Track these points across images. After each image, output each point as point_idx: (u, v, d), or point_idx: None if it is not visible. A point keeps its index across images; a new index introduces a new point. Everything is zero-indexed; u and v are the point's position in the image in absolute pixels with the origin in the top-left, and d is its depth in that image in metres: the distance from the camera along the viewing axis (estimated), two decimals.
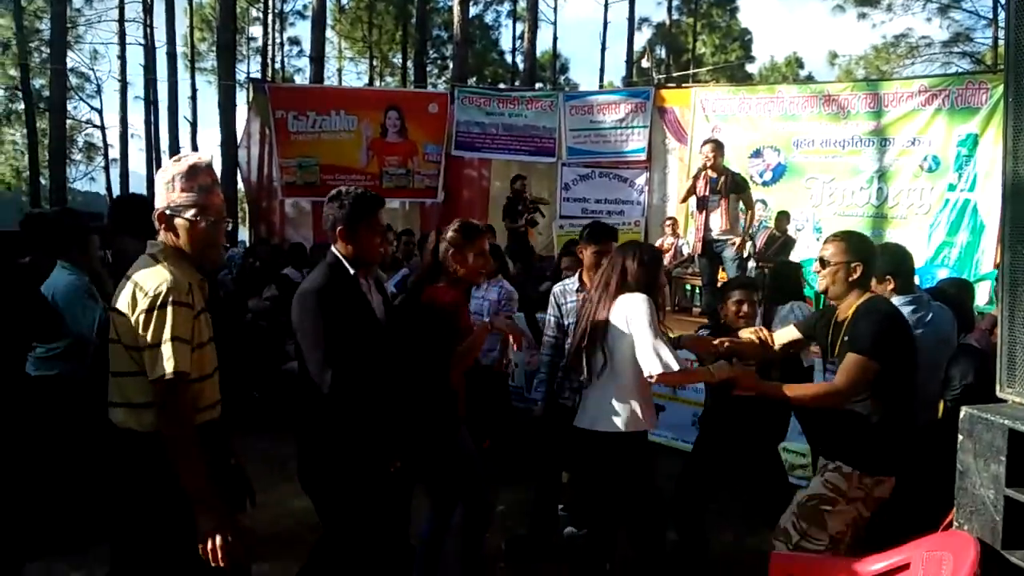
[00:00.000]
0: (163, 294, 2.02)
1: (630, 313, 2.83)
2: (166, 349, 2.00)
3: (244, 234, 13.63)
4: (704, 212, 6.72)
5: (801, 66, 31.12)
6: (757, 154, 9.76)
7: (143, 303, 2.03)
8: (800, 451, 5.26)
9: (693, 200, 6.93)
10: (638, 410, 2.87)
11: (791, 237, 8.99)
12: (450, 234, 3.04)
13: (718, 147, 6.75)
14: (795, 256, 8.92)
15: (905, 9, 18.50)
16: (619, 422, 2.86)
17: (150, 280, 2.06)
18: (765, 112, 9.73)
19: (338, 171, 10.70)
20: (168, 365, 1.99)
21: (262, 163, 11.28)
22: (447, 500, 3.06)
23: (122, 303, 2.07)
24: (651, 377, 2.71)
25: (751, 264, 8.45)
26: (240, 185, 12.71)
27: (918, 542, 2.06)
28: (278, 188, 10.96)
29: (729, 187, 6.62)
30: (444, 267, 3.02)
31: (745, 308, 3.71)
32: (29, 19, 21.82)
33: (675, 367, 2.66)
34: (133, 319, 2.03)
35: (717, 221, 6.66)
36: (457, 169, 11.49)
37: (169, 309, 2.02)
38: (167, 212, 2.18)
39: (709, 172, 6.67)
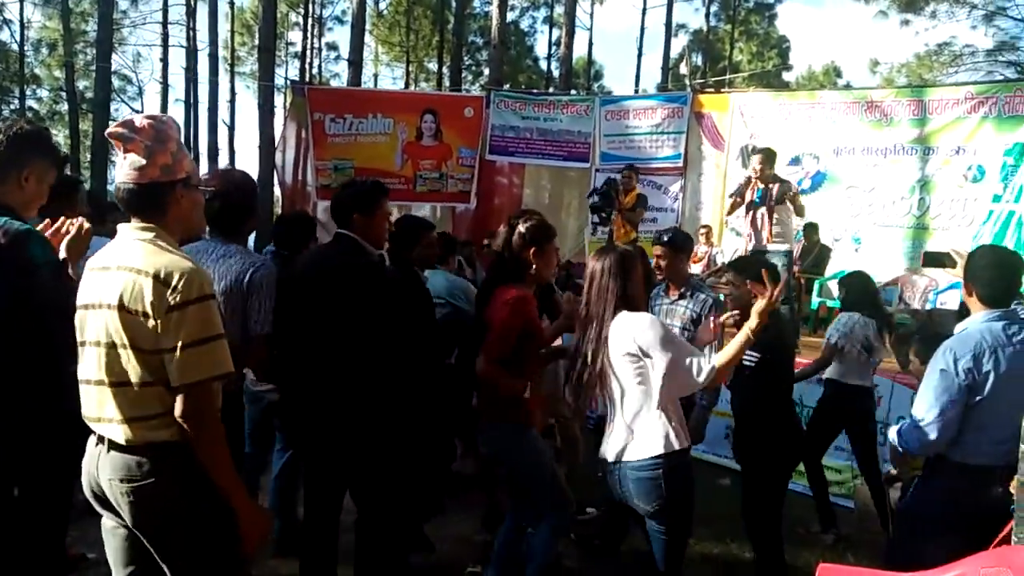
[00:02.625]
0: (196, 286, 1.81)
1: (639, 336, 2.59)
2: (209, 348, 1.82)
3: None
4: (753, 222, 6.71)
5: (839, 75, 30.72)
6: (796, 161, 9.59)
7: (170, 298, 1.78)
8: (836, 467, 5.13)
9: (740, 209, 6.91)
10: (671, 429, 2.65)
11: (826, 246, 8.81)
12: (527, 227, 3.05)
13: (767, 158, 6.73)
14: (831, 267, 8.74)
15: (950, 16, 18.10)
16: (660, 444, 2.62)
17: (172, 271, 1.80)
18: (805, 118, 9.57)
19: (373, 173, 10.73)
20: (211, 368, 1.82)
21: (298, 166, 11.39)
22: (528, 504, 3.11)
23: (130, 300, 1.80)
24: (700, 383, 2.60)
25: (785, 275, 8.31)
26: (276, 188, 12.84)
27: (974, 558, 1.97)
28: (313, 191, 11.05)
29: (777, 197, 6.57)
30: (521, 263, 3.03)
31: (731, 290, 3.74)
32: (76, 21, 22.38)
33: (715, 363, 2.57)
34: (155, 319, 1.78)
35: (765, 231, 6.63)
36: (489, 175, 11.48)
37: (209, 303, 1.83)
38: (180, 183, 1.93)
39: (757, 183, 6.63)
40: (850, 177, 9.23)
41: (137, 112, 25.14)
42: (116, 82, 22.75)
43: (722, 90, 11.74)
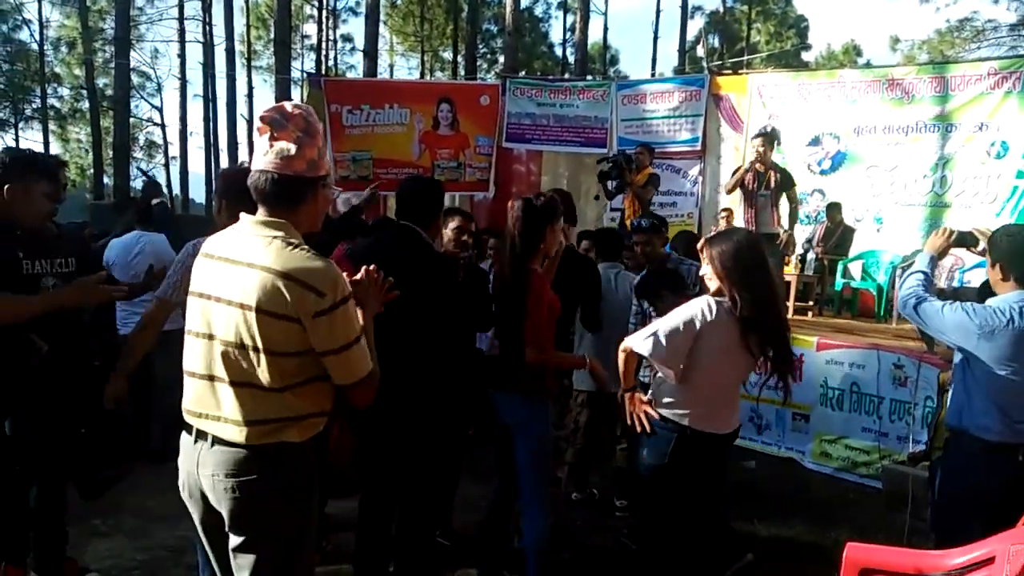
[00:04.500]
0: (342, 287, 1.78)
1: None
2: (359, 347, 1.84)
3: None
4: (753, 208, 6.72)
5: (859, 53, 30.31)
6: (815, 142, 9.48)
7: (319, 303, 1.74)
8: (863, 447, 5.12)
9: (738, 193, 6.95)
10: None
11: (849, 227, 8.74)
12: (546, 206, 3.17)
13: (768, 140, 6.84)
14: (855, 248, 8.68)
15: None
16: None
17: (313, 273, 1.75)
18: (825, 98, 9.45)
19: (391, 164, 10.79)
20: (364, 365, 1.85)
21: None
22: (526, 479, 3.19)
23: (270, 303, 1.73)
24: None
25: (811, 257, 8.26)
26: None
27: (1004, 535, 1.98)
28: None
29: (778, 184, 6.65)
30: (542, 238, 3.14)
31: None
32: (93, 18, 22.58)
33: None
34: (302, 324, 1.74)
35: (767, 218, 6.66)
36: (507, 163, 11.46)
37: (351, 303, 1.81)
38: (321, 180, 1.92)
39: (757, 166, 6.66)
40: (871, 156, 9.12)
41: (156, 108, 25.40)
42: (135, 79, 22.95)
43: (740, 71, 11.59)
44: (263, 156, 1.82)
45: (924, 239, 8.45)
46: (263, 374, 1.77)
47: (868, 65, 20.40)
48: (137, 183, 24.43)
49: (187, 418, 1.92)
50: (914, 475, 3.74)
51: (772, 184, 6.60)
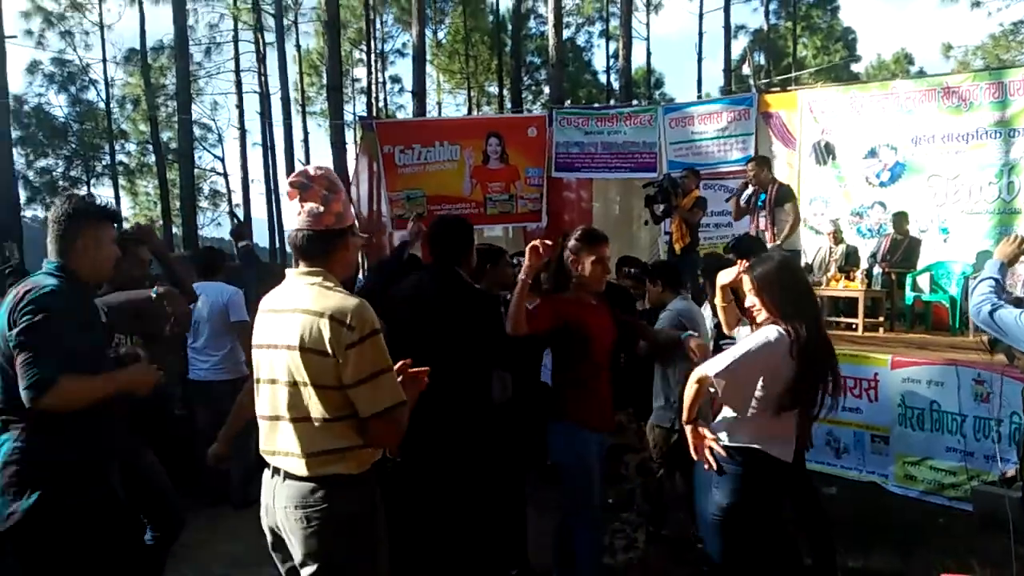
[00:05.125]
0: (369, 322, 1.94)
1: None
2: (387, 378, 1.96)
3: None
4: (754, 224, 7.35)
5: (911, 62, 29.66)
6: (872, 154, 9.29)
7: (349, 336, 1.91)
8: (949, 468, 4.92)
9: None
10: None
11: (915, 239, 8.50)
12: (572, 241, 3.24)
13: (759, 164, 7.46)
14: (922, 260, 8.43)
15: None
16: None
17: (345, 310, 1.93)
18: (879, 110, 9.27)
19: (444, 200, 10.96)
20: (393, 396, 1.95)
21: (372, 198, 11.70)
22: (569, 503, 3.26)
23: (311, 340, 1.92)
24: None
25: (877, 271, 8.06)
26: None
27: None
28: (388, 221, 11.31)
29: (774, 200, 7.06)
30: (567, 273, 3.23)
31: None
32: (155, 75, 23.67)
33: None
34: (336, 357, 1.90)
35: (768, 232, 7.10)
36: (558, 191, 11.53)
37: (379, 336, 1.96)
38: (348, 230, 2.10)
39: (756, 188, 7.24)
40: (932, 166, 8.88)
41: (218, 158, 26.37)
42: (197, 131, 23.92)
43: (788, 88, 11.47)
44: (296, 216, 2.05)
45: (994, 247, 8.24)
46: (315, 408, 1.95)
47: (921, 74, 19.97)
48: (204, 231, 25.39)
49: (264, 456, 2.11)
50: (1009, 497, 3.57)
51: (769, 201, 7.05)
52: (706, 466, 2.72)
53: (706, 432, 2.73)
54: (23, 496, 2.26)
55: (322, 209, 2.02)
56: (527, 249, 3.02)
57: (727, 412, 2.74)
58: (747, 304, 2.78)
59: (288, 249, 2.54)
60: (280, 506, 2.02)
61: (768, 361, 2.58)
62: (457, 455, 3.04)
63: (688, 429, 2.75)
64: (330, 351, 1.91)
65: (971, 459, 4.79)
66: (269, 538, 2.13)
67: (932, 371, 5.18)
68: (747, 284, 2.75)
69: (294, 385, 1.97)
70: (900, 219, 8.48)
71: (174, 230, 22.20)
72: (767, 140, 10.20)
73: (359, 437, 1.99)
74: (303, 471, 1.97)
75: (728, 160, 10.43)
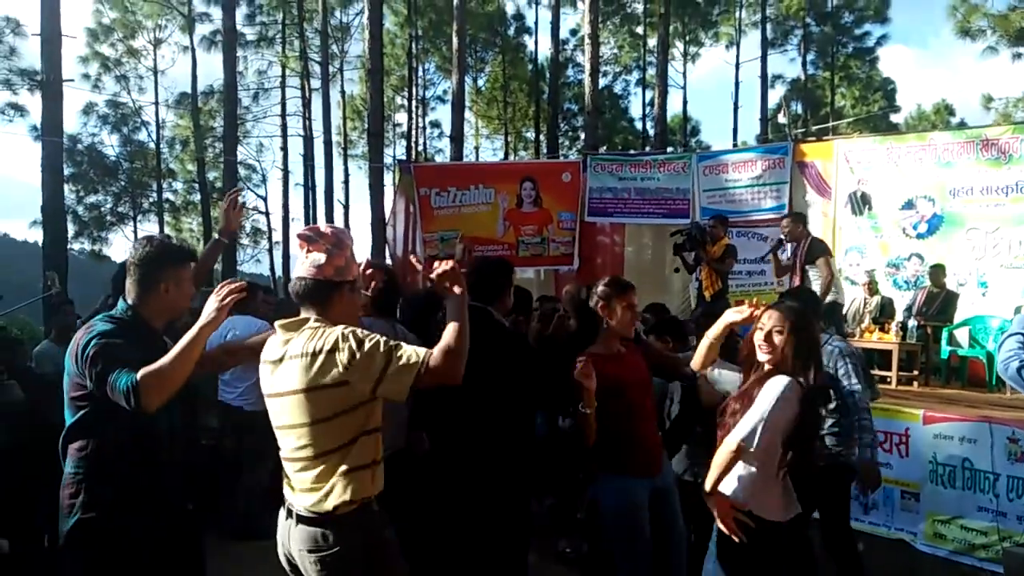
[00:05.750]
0: (348, 331, 2.05)
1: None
2: (397, 352, 2.01)
3: None
4: (789, 278, 7.36)
5: (952, 113, 29.31)
6: (909, 205, 9.21)
7: (350, 343, 2.02)
8: (980, 528, 4.78)
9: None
10: None
11: (952, 292, 8.36)
12: (601, 288, 3.33)
13: (796, 219, 7.48)
14: (960, 314, 8.28)
15: None
16: None
17: (333, 333, 2.06)
18: (916, 161, 9.22)
19: (477, 242, 11.08)
20: (409, 356, 2.00)
21: (407, 239, 11.91)
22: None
23: (328, 376, 2.02)
24: None
25: (912, 323, 7.93)
26: (388, 261, 13.46)
27: None
28: (360, 287, 11.44)
29: (804, 256, 7.08)
30: (597, 320, 3.29)
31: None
32: (204, 118, 24.54)
33: None
34: (343, 370, 2.00)
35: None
36: (591, 236, 11.61)
37: (355, 331, 2.06)
38: (348, 284, 2.22)
39: (787, 242, 7.27)
40: (971, 218, 8.77)
41: (261, 198, 27.07)
42: (242, 171, 24.60)
43: (824, 138, 11.48)
44: (300, 265, 2.20)
45: None
46: (322, 443, 2.07)
47: (962, 125, 19.78)
48: (244, 267, 25.91)
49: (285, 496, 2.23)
50: None
51: (801, 256, 7.08)
52: (735, 538, 2.55)
53: (733, 501, 2.59)
54: (69, 516, 2.39)
55: (323, 260, 2.16)
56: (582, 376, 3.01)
57: (739, 472, 2.63)
58: (757, 342, 2.69)
59: None
60: (295, 548, 2.13)
61: (789, 414, 2.53)
62: (492, 495, 3.13)
63: (715, 500, 2.61)
64: (338, 372, 2.01)
65: (1003, 519, 4.64)
66: (286, 566, 2.24)
67: (965, 427, 5.06)
68: (772, 323, 2.67)
69: (300, 426, 2.08)
70: (937, 272, 8.36)
71: (217, 266, 22.74)
72: (802, 189, 10.18)
73: (357, 459, 2.08)
74: (305, 507, 2.09)
75: (762, 208, 10.42)
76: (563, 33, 25.50)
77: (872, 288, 8.76)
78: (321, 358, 2.02)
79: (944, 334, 8.08)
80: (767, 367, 2.66)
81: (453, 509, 3.19)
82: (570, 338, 3.46)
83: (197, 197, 25.33)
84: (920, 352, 7.96)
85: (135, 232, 24.66)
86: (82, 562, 2.41)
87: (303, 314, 2.19)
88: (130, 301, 2.51)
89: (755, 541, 2.55)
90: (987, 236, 8.65)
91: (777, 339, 2.63)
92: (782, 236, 7.36)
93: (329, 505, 2.07)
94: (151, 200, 25.06)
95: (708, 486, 2.61)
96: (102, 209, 24.03)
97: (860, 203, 9.60)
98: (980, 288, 8.51)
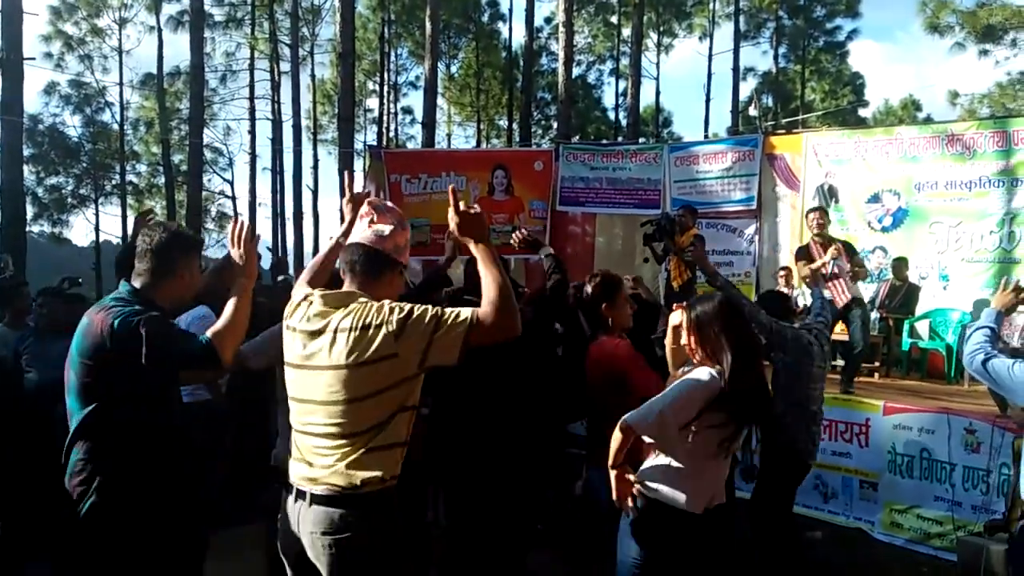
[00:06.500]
0: (388, 306, 1.98)
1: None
2: (452, 309, 1.96)
3: None
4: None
5: (919, 108, 29.81)
6: (875, 199, 9.33)
7: (397, 314, 1.95)
8: (936, 518, 4.87)
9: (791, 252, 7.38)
10: None
11: (914, 285, 8.49)
12: (600, 290, 3.32)
13: (823, 213, 7.12)
14: (921, 307, 8.41)
15: None
16: None
17: (383, 306, 1.99)
18: (883, 155, 9.33)
19: (447, 230, 11.01)
20: (464, 311, 1.94)
21: None
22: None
23: (378, 349, 1.93)
24: None
25: (874, 316, 8.03)
26: None
27: None
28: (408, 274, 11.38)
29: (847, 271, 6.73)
30: (601, 320, 3.28)
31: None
32: (170, 100, 24.04)
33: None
34: (394, 340, 1.92)
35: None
36: (562, 225, 11.60)
37: (399, 305, 1.99)
38: (400, 266, 2.18)
39: (816, 240, 6.88)
40: (934, 212, 8.91)
41: (227, 182, 26.63)
42: (208, 154, 24.17)
43: (794, 131, 11.59)
44: (361, 233, 2.12)
45: (992, 296, 8.23)
46: (352, 423, 1.97)
47: (928, 120, 20.13)
48: (209, 252, 25.53)
49: (292, 478, 2.10)
50: (991, 548, 3.53)
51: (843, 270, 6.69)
52: (625, 513, 2.59)
53: (630, 476, 2.60)
54: (83, 501, 2.38)
55: (387, 232, 2.10)
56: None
57: (657, 459, 2.62)
58: (682, 343, 2.71)
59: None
60: (306, 531, 2.02)
61: (696, 405, 2.48)
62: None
63: (613, 474, 2.59)
64: (388, 354, 1.92)
65: (959, 509, 4.74)
66: (287, 563, 2.14)
67: (924, 419, 5.15)
68: (678, 321, 2.72)
69: (335, 403, 1.97)
70: (900, 265, 8.47)
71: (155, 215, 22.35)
72: (771, 182, 10.26)
73: (390, 437, 2.00)
74: (337, 483, 1.97)
75: (732, 200, 10.49)
76: (538, 21, 25.45)
77: None
78: (371, 332, 1.93)
79: (905, 326, 8.21)
80: (695, 360, 2.67)
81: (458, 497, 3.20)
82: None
83: (161, 180, 24.87)
84: (882, 344, 8.07)
85: (97, 215, 24.18)
86: (98, 546, 2.39)
87: (347, 287, 2.11)
88: (138, 285, 2.51)
89: (664, 528, 2.55)
90: (950, 230, 8.78)
91: (691, 339, 2.64)
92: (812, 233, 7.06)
93: (357, 480, 1.96)
94: (114, 183, 24.55)
95: (610, 461, 2.59)
96: (63, 191, 23.51)
97: (828, 196, 9.69)
98: (941, 281, 8.66)
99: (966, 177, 8.73)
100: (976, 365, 2.69)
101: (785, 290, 9.09)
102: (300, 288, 2.27)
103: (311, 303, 2.10)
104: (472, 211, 2.07)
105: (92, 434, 2.39)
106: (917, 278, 8.61)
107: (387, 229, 2.09)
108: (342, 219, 2.55)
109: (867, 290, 8.93)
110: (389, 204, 2.18)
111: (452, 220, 2.06)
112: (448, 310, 1.96)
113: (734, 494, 3.51)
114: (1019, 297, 2.90)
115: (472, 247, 2.07)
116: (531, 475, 3.30)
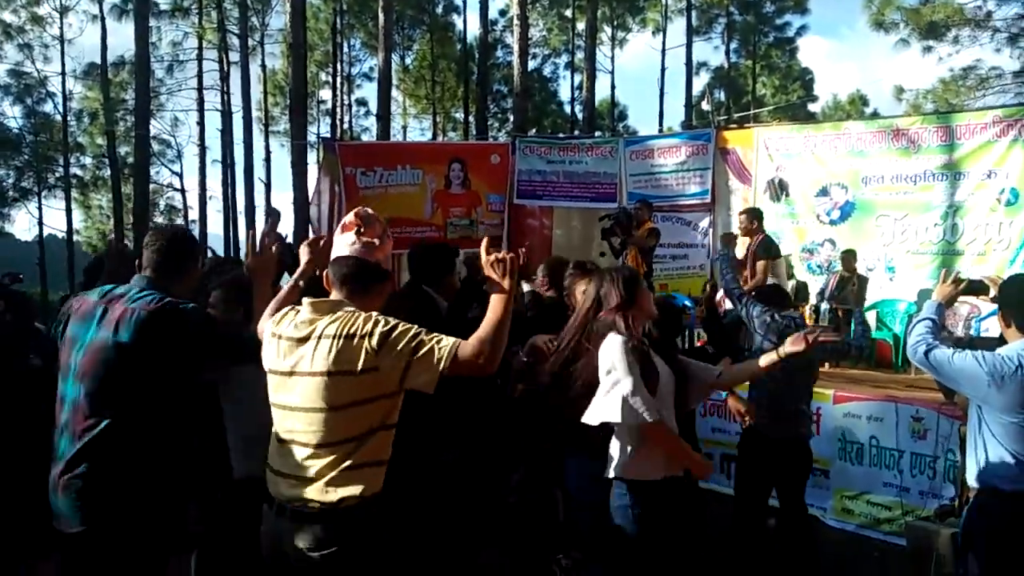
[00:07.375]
0: (381, 318, 2.01)
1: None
2: (435, 335, 1.97)
3: None
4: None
5: (866, 103, 30.58)
6: (824, 192, 9.54)
7: (381, 327, 1.97)
8: (886, 503, 5.01)
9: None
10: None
11: (863, 276, 8.71)
12: (585, 283, 3.36)
13: (750, 215, 7.49)
14: (869, 298, 8.62)
15: (973, 40, 17.88)
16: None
17: (369, 318, 2.01)
18: (831, 149, 9.54)
19: (404, 223, 10.91)
20: (447, 340, 1.95)
21: (332, 219, 11.61)
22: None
23: (359, 361, 1.95)
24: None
25: (825, 307, 8.23)
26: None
27: None
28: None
29: (756, 253, 7.20)
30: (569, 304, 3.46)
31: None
32: (115, 90, 23.32)
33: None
34: (374, 355, 1.94)
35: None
36: (520, 218, 11.60)
37: (385, 319, 2.01)
38: (388, 276, 2.22)
39: (741, 238, 7.25)
40: (880, 206, 9.15)
41: (176, 174, 25.99)
42: (155, 146, 23.54)
43: (746, 125, 11.75)
44: (351, 245, 2.12)
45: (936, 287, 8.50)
46: (331, 432, 1.97)
47: (875, 116, 20.60)
48: None
49: (273, 490, 2.09)
50: (938, 531, 3.65)
51: (752, 254, 7.25)
52: None
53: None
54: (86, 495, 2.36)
55: (378, 243, 2.12)
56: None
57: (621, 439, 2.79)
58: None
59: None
60: (293, 548, 2.00)
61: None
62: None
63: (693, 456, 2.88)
64: (369, 367, 1.94)
65: (906, 494, 4.88)
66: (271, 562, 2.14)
67: (872, 407, 5.28)
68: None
69: (315, 410, 1.98)
70: (848, 257, 8.67)
71: (127, 244, 21.76)
72: (724, 175, 10.41)
73: (368, 455, 2.00)
74: (316, 498, 1.96)
75: (686, 193, 10.61)
76: (492, 13, 25.40)
77: (788, 273, 9.03)
78: (355, 342, 1.95)
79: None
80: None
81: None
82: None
83: (107, 172, 24.14)
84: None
85: (40, 208, 23.36)
86: (113, 541, 2.36)
87: (336, 296, 2.12)
88: (153, 278, 2.56)
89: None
90: (895, 223, 9.03)
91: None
92: (737, 231, 7.40)
93: (335, 497, 1.96)
94: (57, 175, 23.74)
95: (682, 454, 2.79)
96: (3, 184, 22.66)
97: (778, 190, 9.88)
98: (888, 273, 8.90)
99: (911, 171, 8.98)
100: (919, 356, 2.77)
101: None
102: (265, 323, 2.26)
103: (298, 311, 2.13)
104: (511, 257, 2.04)
105: (93, 425, 2.34)
106: (864, 270, 8.83)
107: (376, 241, 2.13)
108: (296, 217, 2.59)
109: (817, 281, 9.17)
110: (372, 212, 2.18)
111: (486, 260, 2.04)
112: (434, 335, 1.97)
113: None
114: (959, 289, 2.98)
115: (497, 287, 2.02)
116: (480, 470, 3.31)
